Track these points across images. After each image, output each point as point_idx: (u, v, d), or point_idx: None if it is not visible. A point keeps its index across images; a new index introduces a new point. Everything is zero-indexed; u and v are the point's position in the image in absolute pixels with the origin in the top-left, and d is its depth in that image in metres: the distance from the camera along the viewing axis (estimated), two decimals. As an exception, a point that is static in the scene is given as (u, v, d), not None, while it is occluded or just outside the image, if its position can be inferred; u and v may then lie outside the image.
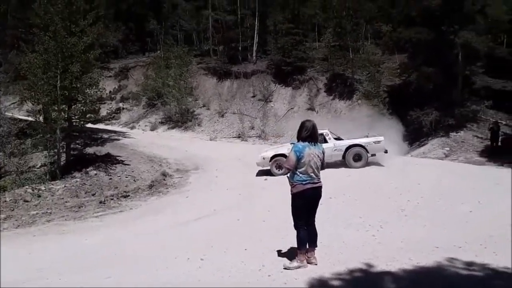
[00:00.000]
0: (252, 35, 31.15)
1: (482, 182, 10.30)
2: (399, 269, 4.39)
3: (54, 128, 13.79)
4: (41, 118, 14.76)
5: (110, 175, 13.90)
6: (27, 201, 11.26)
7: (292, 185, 4.58)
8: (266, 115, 25.57)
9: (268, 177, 12.61)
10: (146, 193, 12.33)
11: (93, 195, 12.11)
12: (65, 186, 12.72)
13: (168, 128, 26.35)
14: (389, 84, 23.58)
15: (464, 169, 13.34)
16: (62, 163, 14.31)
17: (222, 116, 26.55)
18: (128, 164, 15.14)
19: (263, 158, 13.11)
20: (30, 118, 16.15)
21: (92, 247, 7.14)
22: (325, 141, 12.55)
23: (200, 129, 25.72)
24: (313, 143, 4.52)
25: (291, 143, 4.67)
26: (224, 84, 29.42)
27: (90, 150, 15.70)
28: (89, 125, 16.24)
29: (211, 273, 4.81)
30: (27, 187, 12.36)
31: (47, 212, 10.43)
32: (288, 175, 4.66)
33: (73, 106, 14.93)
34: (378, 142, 12.79)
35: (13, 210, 10.65)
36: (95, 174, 13.83)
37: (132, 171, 14.50)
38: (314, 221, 4.74)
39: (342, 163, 12.87)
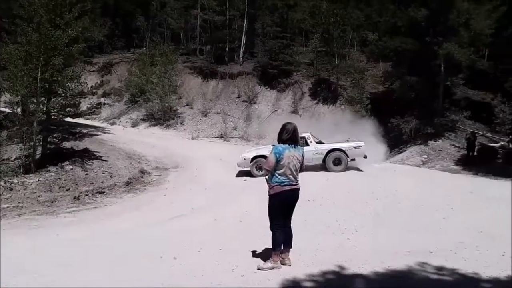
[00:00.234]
0: (239, 36, 31.12)
1: (457, 190, 10.52)
2: (370, 272, 4.44)
3: (32, 121, 13.49)
4: (18, 110, 14.41)
5: (87, 171, 13.62)
6: (-3, 194, 10.93)
7: (270, 187, 4.58)
8: (249, 117, 25.58)
9: (248, 178, 12.60)
10: (123, 190, 12.11)
11: (67, 190, 11.84)
12: (39, 180, 12.41)
13: (150, 126, 26.06)
14: (373, 91, 23.90)
15: (440, 177, 13.63)
16: (37, 157, 13.94)
17: (206, 115, 26.41)
18: (105, 160, 14.86)
19: (244, 159, 13.10)
20: (7, 110, 15.74)
21: (64, 242, 6.95)
22: (307, 144, 12.65)
23: (182, 128, 25.52)
24: (293, 145, 4.54)
25: (272, 145, 4.66)
26: (209, 84, 29.30)
27: (67, 144, 15.38)
28: (68, 119, 15.97)
29: (183, 272, 4.74)
30: (-1, 179, 12.00)
31: (18, 206, 10.14)
32: (267, 176, 4.66)
33: (52, 99, 14.65)
34: (359, 147, 12.95)
35: (-18, 202, 10.31)
36: (71, 169, 13.54)
37: (110, 167, 14.24)
38: (290, 222, 4.75)
39: (322, 167, 12.96)
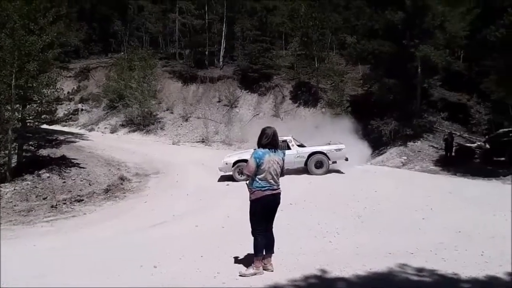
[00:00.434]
0: (219, 40, 31.06)
1: (436, 190, 10.71)
2: (352, 275, 4.46)
3: (6, 128, 13.11)
4: (-8, 118, 13.96)
5: (64, 178, 13.29)
6: (-30, 205, 10.54)
7: (251, 192, 4.55)
8: (231, 121, 25.51)
9: (230, 183, 12.53)
10: (102, 197, 11.86)
11: (44, 199, 11.53)
12: (14, 189, 12.04)
13: (129, 131, 25.68)
14: (352, 94, 24.21)
15: (419, 178, 13.87)
16: (13, 165, 13.53)
17: (186, 120, 26.20)
18: (84, 167, 14.55)
19: (226, 164, 13.04)
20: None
21: (41, 252, 6.73)
22: (288, 148, 12.69)
23: (162, 133, 25.25)
24: (273, 150, 4.53)
25: (254, 149, 4.65)
26: (189, 88, 29.11)
27: (44, 152, 14.96)
28: (45, 126, 15.60)
29: (163, 280, 4.64)
30: (-29, 189, 11.59)
31: (-8, 217, 9.78)
32: (247, 181, 4.63)
33: (28, 106, 14.33)
34: (340, 149, 13.07)
35: (-46, 214, 9.91)
36: (48, 177, 13.17)
37: (88, 175, 13.94)
38: (272, 227, 4.73)
39: (304, 170, 13.01)
